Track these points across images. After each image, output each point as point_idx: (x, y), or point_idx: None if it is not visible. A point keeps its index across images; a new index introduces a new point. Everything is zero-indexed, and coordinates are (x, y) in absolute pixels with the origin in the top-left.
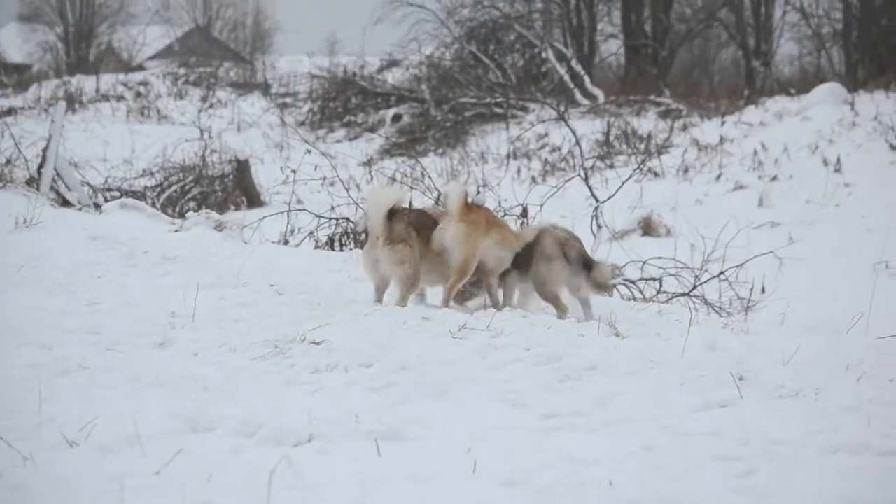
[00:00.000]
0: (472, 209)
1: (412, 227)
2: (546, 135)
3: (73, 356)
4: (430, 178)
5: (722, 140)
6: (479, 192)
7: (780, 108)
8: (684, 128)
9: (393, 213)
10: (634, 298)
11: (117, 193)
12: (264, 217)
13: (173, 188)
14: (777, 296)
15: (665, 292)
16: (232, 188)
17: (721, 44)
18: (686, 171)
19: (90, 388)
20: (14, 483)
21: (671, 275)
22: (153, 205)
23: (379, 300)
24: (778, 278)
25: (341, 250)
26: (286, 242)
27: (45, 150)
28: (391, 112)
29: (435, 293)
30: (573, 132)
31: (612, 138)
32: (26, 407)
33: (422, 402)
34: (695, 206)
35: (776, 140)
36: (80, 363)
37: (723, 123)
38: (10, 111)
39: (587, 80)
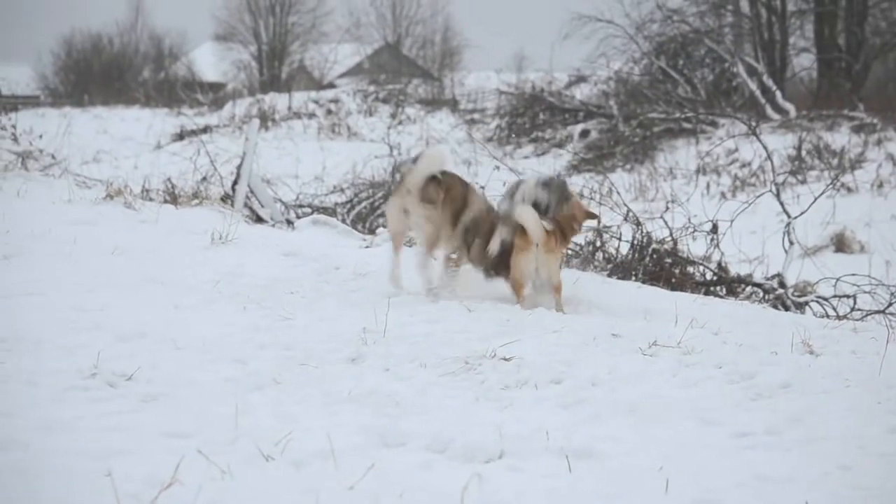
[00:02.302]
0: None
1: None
2: (736, 150)
3: (267, 371)
4: (618, 193)
5: None
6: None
7: None
8: (879, 142)
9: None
10: (828, 316)
11: (308, 210)
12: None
13: (363, 204)
14: None
15: (860, 310)
16: None
17: None
18: (881, 186)
19: (284, 403)
20: (213, 497)
21: (866, 292)
22: (343, 221)
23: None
24: None
25: None
26: None
27: (239, 168)
28: (579, 128)
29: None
30: (765, 147)
31: (804, 153)
32: (222, 421)
33: (612, 418)
34: (890, 221)
35: None
36: (274, 378)
37: None
38: (206, 129)
39: (778, 94)
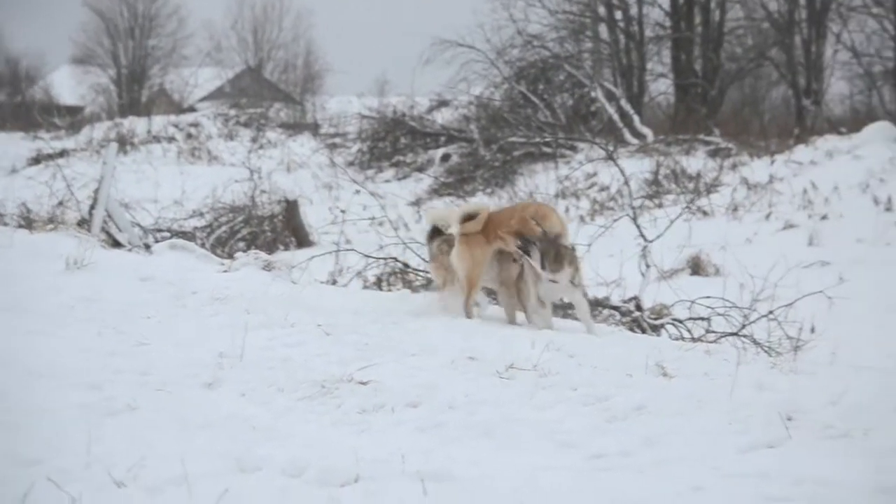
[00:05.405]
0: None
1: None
2: (595, 174)
3: (122, 397)
4: None
5: (772, 179)
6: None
7: (831, 146)
8: (734, 167)
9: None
10: (682, 338)
11: (167, 234)
12: (313, 257)
13: (223, 229)
14: (826, 335)
15: (713, 332)
16: (281, 228)
17: (771, 83)
18: (735, 210)
19: (138, 429)
20: None
21: (720, 314)
22: (203, 245)
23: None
24: (827, 318)
25: (389, 290)
26: (334, 282)
27: (96, 192)
28: (440, 152)
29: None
30: (622, 171)
31: (661, 177)
32: (75, 447)
33: (469, 441)
34: (744, 245)
35: (826, 179)
36: (129, 404)
37: (772, 162)
38: (63, 153)
39: (636, 119)
